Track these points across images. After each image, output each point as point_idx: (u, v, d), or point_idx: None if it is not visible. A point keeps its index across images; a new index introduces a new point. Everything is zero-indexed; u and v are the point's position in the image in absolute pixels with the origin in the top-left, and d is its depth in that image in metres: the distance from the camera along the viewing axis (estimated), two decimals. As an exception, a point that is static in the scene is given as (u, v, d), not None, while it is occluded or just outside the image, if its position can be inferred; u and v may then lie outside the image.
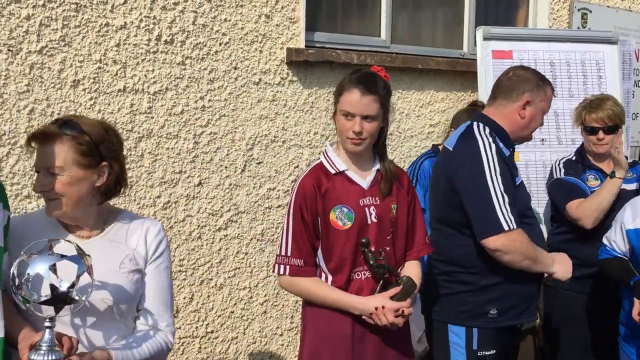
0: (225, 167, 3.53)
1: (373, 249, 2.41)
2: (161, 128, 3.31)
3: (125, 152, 3.18)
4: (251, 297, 3.67)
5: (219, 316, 3.57)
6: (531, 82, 2.77)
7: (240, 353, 3.66)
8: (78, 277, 1.72)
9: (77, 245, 1.79)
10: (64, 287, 1.70)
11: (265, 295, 3.71)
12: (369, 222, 2.42)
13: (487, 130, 2.74)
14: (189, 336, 3.48)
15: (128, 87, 3.20)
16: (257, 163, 3.63)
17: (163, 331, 2.02)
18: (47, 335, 1.72)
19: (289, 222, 2.41)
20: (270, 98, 3.65)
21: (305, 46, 3.73)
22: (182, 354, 3.46)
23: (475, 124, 2.78)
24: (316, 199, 2.39)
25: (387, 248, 2.45)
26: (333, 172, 2.45)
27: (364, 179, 2.47)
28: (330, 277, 2.43)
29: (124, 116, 3.21)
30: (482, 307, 2.70)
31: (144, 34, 3.23)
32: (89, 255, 1.78)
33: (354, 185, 2.45)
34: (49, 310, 1.71)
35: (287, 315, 3.81)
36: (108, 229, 2.02)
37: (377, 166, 2.49)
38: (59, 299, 1.71)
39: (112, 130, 2.04)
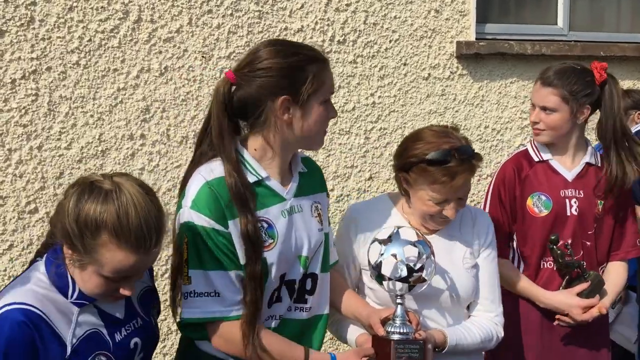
0: (395, 162, 3.65)
1: (561, 245, 2.40)
2: (334, 125, 3.52)
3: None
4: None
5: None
6: None
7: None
8: (427, 258, 1.96)
9: (419, 231, 2.03)
10: (417, 267, 1.94)
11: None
12: (568, 213, 2.44)
13: None
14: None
15: (304, 86, 3.45)
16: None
17: (493, 321, 2.16)
18: (399, 310, 1.93)
19: (486, 203, 2.53)
20: (440, 93, 3.71)
21: (476, 39, 3.74)
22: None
23: None
24: (515, 183, 2.46)
25: (588, 243, 2.46)
26: (536, 159, 2.50)
27: (569, 170, 2.49)
28: (522, 263, 2.49)
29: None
30: None
31: (319, 35, 3.46)
32: (429, 242, 2.00)
33: (557, 175, 2.48)
34: (403, 288, 1.95)
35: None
36: (446, 226, 2.13)
37: (587, 159, 2.50)
38: (407, 279, 1.94)
39: None
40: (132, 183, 1.63)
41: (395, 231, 1.98)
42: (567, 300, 2.38)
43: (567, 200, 2.44)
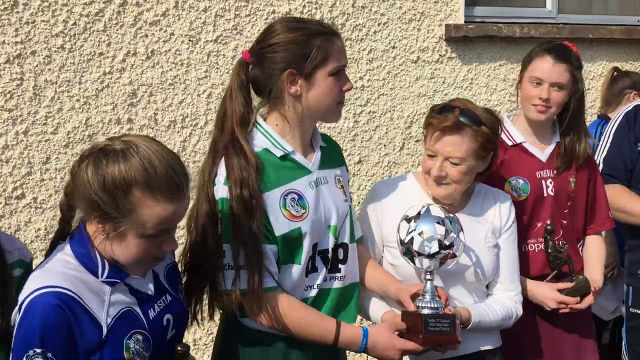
0: (384, 145, 3.66)
1: (557, 240, 2.42)
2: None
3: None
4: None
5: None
6: None
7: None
8: (458, 234, 2.01)
9: (445, 208, 2.08)
10: (447, 243, 1.99)
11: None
12: (545, 194, 2.46)
13: None
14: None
15: (293, 70, 3.44)
16: (416, 141, 3.72)
17: (513, 300, 2.23)
18: (429, 286, 1.99)
19: None
20: (429, 76, 3.72)
21: (465, 22, 3.74)
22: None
23: None
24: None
25: (564, 221, 2.48)
26: (510, 143, 2.50)
27: (542, 151, 2.50)
28: None
29: (289, 98, 3.46)
30: None
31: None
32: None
33: (531, 157, 2.49)
34: (434, 264, 2.00)
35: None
36: (469, 205, 2.23)
37: (557, 139, 2.51)
38: (433, 255, 2.00)
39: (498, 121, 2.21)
40: (142, 137, 1.64)
41: (425, 208, 2.03)
42: (545, 292, 2.39)
43: (543, 182, 2.45)
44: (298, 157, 1.96)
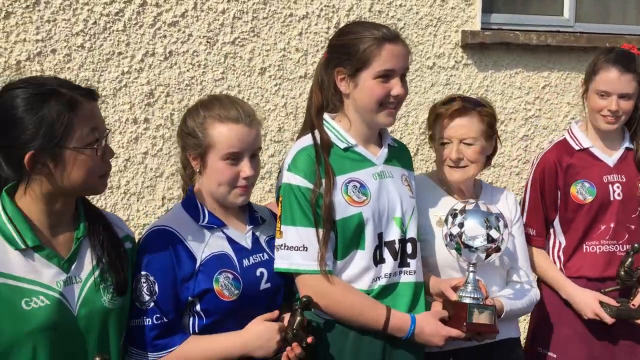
0: (398, 151, 3.71)
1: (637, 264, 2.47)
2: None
3: (305, 134, 3.49)
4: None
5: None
6: None
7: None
8: (503, 229, 2.12)
9: (486, 204, 2.19)
10: (495, 236, 2.11)
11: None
12: (612, 199, 2.56)
13: None
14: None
15: (309, 73, 3.51)
16: (430, 147, 3.76)
17: (531, 285, 2.39)
18: (471, 277, 2.13)
19: (525, 193, 2.68)
20: (444, 82, 3.77)
21: (481, 28, 3.79)
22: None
23: None
24: (556, 173, 2.59)
25: (632, 226, 2.57)
26: (577, 148, 2.62)
27: (610, 156, 2.61)
28: (561, 249, 2.62)
29: (304, 101, 3.51)
30: None
31: (324, 22, 3.52)
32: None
33: (599, 162, 2.60)
34: (479, 257, 2.12)
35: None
36: (480, 197, 2.40)
37: (627, 144, 2.62)
38: (478, 249, 2.11)
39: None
40: (224, 93, 2.06)
41: (474, 204, 2.15)
42: (587, 300, 2.48)
43: (610, 186, 2.55)
44: (362, 150, 2.13)
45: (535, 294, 2.37)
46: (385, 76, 2.06)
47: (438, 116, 2.33)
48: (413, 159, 3.74)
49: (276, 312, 1.97)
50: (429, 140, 2.47)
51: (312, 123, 2.14)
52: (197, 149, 2.00)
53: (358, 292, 2.04)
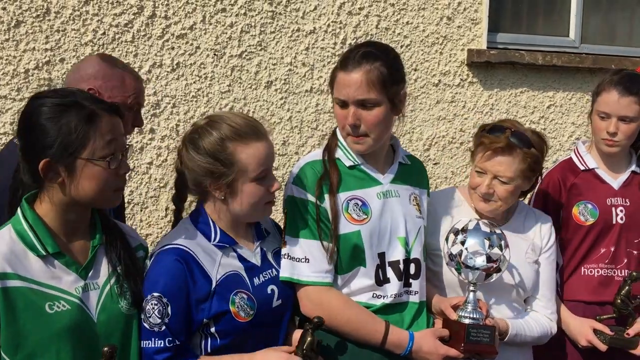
0: (402, 167, 3.74)
1: (635, 291, 2.45)
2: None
3: (310, 149, 3.53)
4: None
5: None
6: None
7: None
8: (504, 250, 2.11)
9: (493, 224, 2.18)
10: (494, 257, 2.09)
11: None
12: (614, 222, 2.53)
13: None
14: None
15: (314, 87, 3.56)
16: (434, 164, 3.80)
17: (549, 318, 2.34)
18: (471, 297, 2.12)
19: None
20: (449, 99, 3.81)
21: (487, 47, 3.85)
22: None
23: None
24: (560, 191, 2.57)
25: (635, 252, 2.55)
26: (582, 168, 2.60)
27: (615, 179, 2.59)
28: (560, 265, 2.57)
29: (309, 115, 3.57)
30: None
31: (331, 38, 3.57)
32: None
33: (603, 184, 2.58)
34: (479, 277, 2.11)
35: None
36: (511, 221, 2.36)
37: (633, 167, 2.60)
38: (478, 268, 2.09)
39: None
40: (217, 111, 1.93)
41: (475, 223, 2.14)
42: (581, 328, 2.45)
43: (613, 209, 2.53)
44: (368, 168, 2.15)
45: (551, 326, 2.31)
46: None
47: (481, 144, 2.24)
48: (417, 175, 3.79)
49: (291, 348, 1.96)
50: (470, 156, 2.38)
51: (330, 139, 2.20)
52: (226, 178, 1.93)
53: (358, 306, 2.06)
